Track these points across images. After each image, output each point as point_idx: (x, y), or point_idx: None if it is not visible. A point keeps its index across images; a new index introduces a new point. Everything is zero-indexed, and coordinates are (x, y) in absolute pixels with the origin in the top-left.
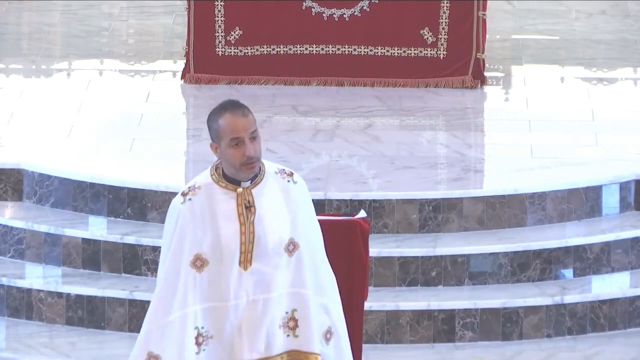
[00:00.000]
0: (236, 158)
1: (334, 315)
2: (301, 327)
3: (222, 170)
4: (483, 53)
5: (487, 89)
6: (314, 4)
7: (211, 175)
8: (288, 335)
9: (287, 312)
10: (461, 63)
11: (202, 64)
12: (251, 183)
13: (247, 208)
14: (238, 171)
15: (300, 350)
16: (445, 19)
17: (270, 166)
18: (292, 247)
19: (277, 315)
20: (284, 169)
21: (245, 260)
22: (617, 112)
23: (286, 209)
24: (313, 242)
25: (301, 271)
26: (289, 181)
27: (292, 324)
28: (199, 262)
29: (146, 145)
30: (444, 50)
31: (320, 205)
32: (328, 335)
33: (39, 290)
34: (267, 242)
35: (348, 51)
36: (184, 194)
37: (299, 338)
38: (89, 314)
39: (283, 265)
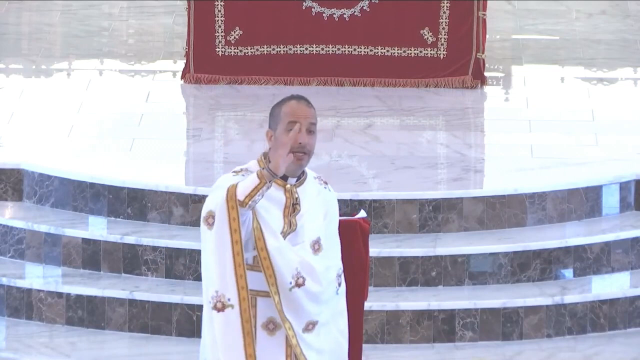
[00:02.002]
0: (286, 142)
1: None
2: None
3: (270, 162)
4: (483, 53)
5: (487, 89)
6: (314, 4)
7: (260, 167)
8: (291, 289)
9: (297, 271)
10: (461, 63)
11: (202, 64)
12: (297, 181)
13: (293, 205)
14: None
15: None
16: (445, 19)
17: (309, 171)
18: (317, 246)
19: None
20: (320, 176)
21: None
22: (617, 112)
23: (322, 212)
24: (335, 252)
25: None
26: (325, 188)
27: (300, 281)
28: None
29: (146, 145)
30: (444, 50)
31: None
32: (310, 326)
33: (39, 290)
34: (303, 236)
35: (348, 51)
36: (235, 172)
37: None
38: (89, 314)
39: (307, 255)
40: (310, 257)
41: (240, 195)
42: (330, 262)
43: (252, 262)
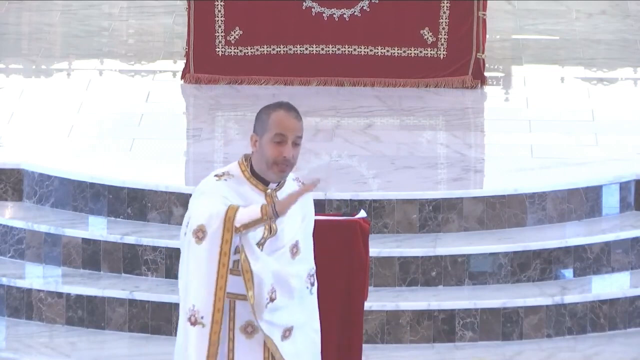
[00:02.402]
0: (273, 155)
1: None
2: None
3: (251, 166)
4: (483, 53)
5: (487, 89)
6: (314, 4)
7: (242, 171)
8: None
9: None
10: (461, 63)
11: (202, 64)
12: (277, 186)
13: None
14: (268, 169)
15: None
16: (445, 19)
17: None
18: (295, 249)
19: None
20: (298, 178)
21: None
22: (617, 112)
23: (300, 214)
24: (309, 253)
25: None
26: None
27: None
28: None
29: (146, 145)
30: (444, 50)
31: (320, 205)
32: (287, 332)
33: (39, 290)
34: (282, 241)
35: (348, 51)
36: (217, 176)
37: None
38: (89, 314)
39: (285, 262)
40: (286, 268)
41: (238, 222)
42: (304, 265)
43: (232, 265)
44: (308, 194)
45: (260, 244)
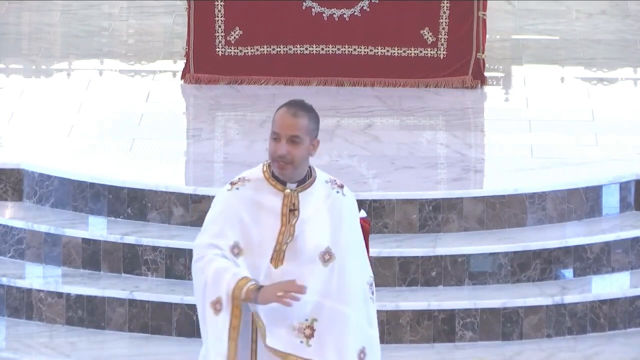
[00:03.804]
0: (270, 151)
1: (369, 336)
2: (317, 339)
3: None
4: (483, 53)
5: (487, 89)
6: (314, 4)
7: (263, 172)
8: (301, 342)
9: (306, 320)
10: (461, 63)
11: (202, 64)
12: (298, 186)
13: (291, 211)
14: (272, 164)
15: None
16: (445, 19)
17: (322, 174)
18: (327, 256)
19: (295, 317)
20: (335, 180)
21: (277, 258)
22: (617, 112)
23: (329, 218)
24: (352, 259)
25: (331, 283)
26: (338, 192)
27: (308, 332)
28: (236, 250)
29: (146, 145)
30: (444, 50)
31: None
32: (362, 355)
33: (39, 290)
34: (305, 246)
35: (348, 51)
36: (232, 183)
37: (312, 348)
38: (89, 314)
39: (316, 272)
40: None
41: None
42: (360, 276)
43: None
44: (345, 198)
45: (278, 256)
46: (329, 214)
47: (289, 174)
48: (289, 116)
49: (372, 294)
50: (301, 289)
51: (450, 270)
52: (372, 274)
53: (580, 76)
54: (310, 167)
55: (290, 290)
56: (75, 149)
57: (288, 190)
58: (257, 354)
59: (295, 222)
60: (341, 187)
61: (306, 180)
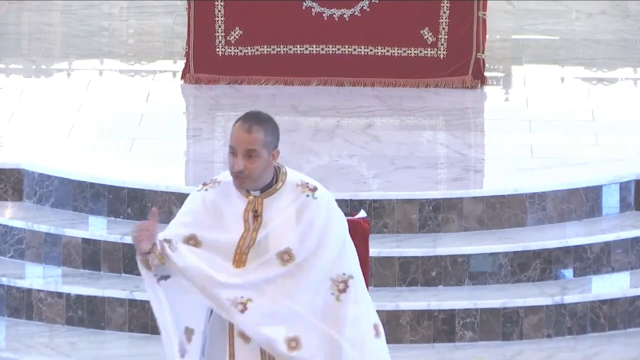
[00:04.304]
0: (229, 165)
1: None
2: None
3: None
4: (483, 53)
5: (487, 89)
6: (314, 4)
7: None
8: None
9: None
10: (461, 63)
11: (202, 64)
12: (262, 193)
13: (255, 216)
14: (232, 179)
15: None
16: (445, 19)
17: (294, 177)
18: (286, 256)
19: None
20: (307, 183)
21: (240, 260)
22: (617, 112)
23: (295, 221)
24: (321, 261)
25: (283, 284)
26: (308, 195)
27: (293, 344)
28: (192, 242)
29: (146, 145)
30: (444, 50)
31: None
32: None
33: (39, 290)
34: (268, 250)
35: (348, 51)
36: (204, 184)
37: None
38: (89, 314)
39: (276, 273)
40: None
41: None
42: (328, 274)
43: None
44: (315, 201)
45: (240, 258)
46: (296, 218)
47: (248, 187)
48: (243, 132)
49: (340, 291)
50: (149, 226)
51: (450, 270)
52: (353, 270)
53: (580, 76)
54: (277, 171)
55: (139, 229)
56: (75, 149)
57: (252, 197)
58: (235, 356)
59: (258, 227)
60: (313, 190)
61: (271, 185)
